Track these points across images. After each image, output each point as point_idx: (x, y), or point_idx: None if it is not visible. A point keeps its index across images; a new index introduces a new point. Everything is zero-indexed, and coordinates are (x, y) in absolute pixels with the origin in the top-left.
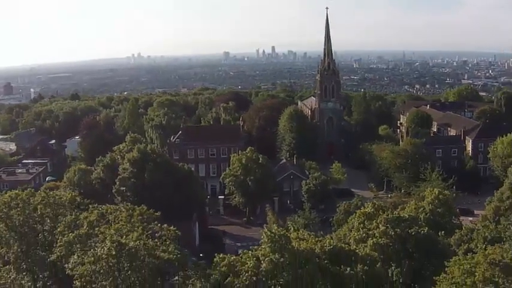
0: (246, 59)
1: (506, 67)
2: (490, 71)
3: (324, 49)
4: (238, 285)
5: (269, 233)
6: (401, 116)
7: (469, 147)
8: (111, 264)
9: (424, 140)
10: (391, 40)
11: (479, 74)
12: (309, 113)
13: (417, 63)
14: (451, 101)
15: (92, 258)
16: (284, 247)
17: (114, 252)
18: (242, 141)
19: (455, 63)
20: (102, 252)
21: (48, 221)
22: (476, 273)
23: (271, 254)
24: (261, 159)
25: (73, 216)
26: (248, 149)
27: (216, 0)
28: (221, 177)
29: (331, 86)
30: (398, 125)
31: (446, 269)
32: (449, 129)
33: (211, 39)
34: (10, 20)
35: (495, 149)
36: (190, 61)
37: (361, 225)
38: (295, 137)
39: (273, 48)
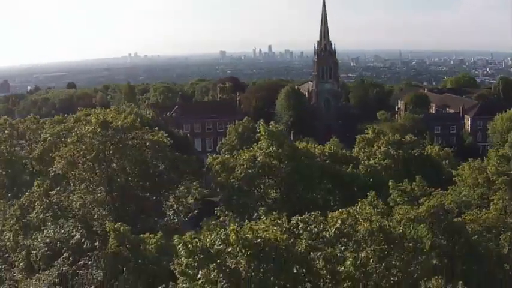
0: (243, 58)
1: (503, 65)
2: (488, 69)
3: (321, 30)
4: (232, 180)
5: (266, 128)
6: (399, 101)
7: (468, 125)
8: (95, 143)
9: (423, 115)
10: (387, 39)
11: (476, 72)
12: (307, 96)
13: (414, 62)
14: (449, 87)
15: (75, 137)
16: (282, 142)
17: (98, 130)
18: (239, 116)
19: (452, 62)
20: (86, 130)
21: (38, 151)
22: (488, 168)
23: (270, 148)
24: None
25: (60, 116)
26: (245, 119)
27: None
28: (217, 147)
29: (328, 67)
30: (397, 109)
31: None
32: (447, 109)
33: (208, 38)
34: (7, 20)
35: (495, 125)
36: (187, 60)
37: (362, 150)
38: (293, 114)
39: (270, 47)
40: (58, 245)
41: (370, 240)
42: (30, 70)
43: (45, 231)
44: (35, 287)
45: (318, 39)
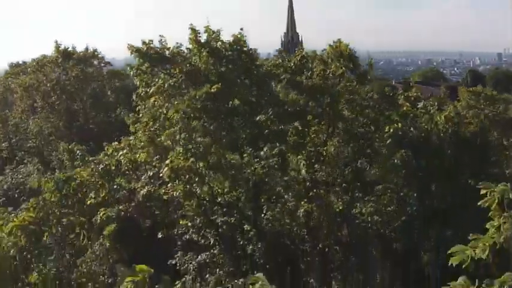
0: None
1: (471, 65)
2: (456, 69)
3: (287, 21)
4: None
5: None
6: None
7: None
8: (55, 72)
9: None
10: (355, 40)
11: (444, 71)
12: None
13: (381, 62)
14: (417, 80)
15: (36, 67)
16: None
17: (60, 60)
18: None
19: (420, 62)
20: (47, 59)
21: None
22: (459, 105)
23: None
24: None
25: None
26: None
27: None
28: None
29: None
30: None
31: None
32: None
33: (172, 39)
34: None
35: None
36: None
37: None
38: None
39: None
40: (17, 192)
41: (338, 61)
42: None
43: (1, 177)
44: None
45: (285, 30)
